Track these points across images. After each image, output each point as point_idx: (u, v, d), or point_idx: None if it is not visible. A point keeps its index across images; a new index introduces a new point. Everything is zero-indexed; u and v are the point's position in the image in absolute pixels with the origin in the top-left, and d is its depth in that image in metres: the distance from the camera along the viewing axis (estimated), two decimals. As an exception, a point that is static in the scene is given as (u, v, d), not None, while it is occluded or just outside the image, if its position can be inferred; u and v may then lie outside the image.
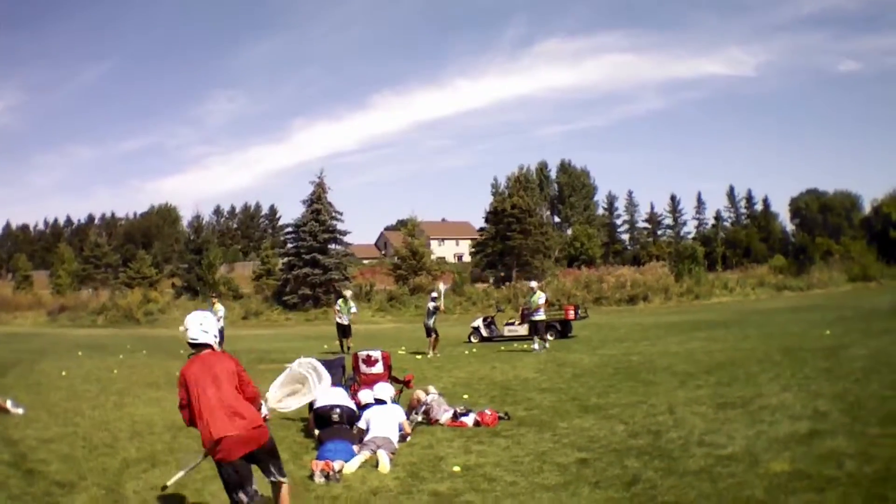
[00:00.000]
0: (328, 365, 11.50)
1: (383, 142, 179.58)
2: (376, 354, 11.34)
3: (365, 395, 10.12)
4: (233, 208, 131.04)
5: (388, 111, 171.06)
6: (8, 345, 30.23)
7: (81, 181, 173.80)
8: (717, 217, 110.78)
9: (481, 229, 68.65)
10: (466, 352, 21.88)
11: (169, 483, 6.23)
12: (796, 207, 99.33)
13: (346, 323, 23.45)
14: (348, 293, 25.30)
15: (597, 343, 21.79)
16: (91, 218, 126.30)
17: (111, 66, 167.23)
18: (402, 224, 72.75)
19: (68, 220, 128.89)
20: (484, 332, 25.69)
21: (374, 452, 8.03)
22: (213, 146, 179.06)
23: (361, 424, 8.79)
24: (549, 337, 22.22)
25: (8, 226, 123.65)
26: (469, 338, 25.75)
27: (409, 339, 26.85)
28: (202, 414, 5.42)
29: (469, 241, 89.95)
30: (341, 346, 23.06)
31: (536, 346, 20.78)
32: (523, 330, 24.23)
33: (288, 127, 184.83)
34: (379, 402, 9.17)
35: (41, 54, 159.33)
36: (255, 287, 60.17)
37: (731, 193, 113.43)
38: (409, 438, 9.01)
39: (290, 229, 58.70)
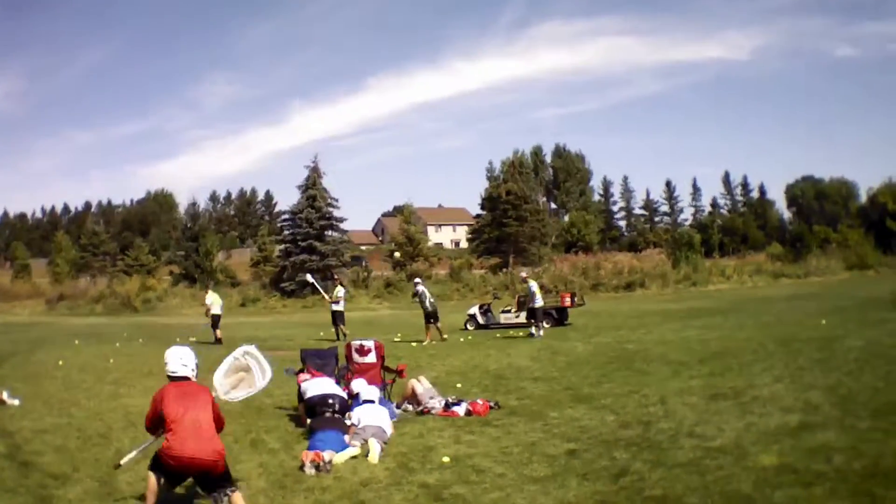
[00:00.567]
0: (322, 355, 11.63)
1: (380, 124, 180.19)
2: (369, 344, 11.34)
3: (357, 385, 10.10)
4: (229, 194, 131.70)
5: (385, 93, 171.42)
6: (6, 335, 30.20)
7: (79, 166, 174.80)
8: (714, 204, 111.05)
9: (477, 216, 68.65)
10: (462, 339, 21.89)
11: (122, 462, 6.69)
12: (792, 195, 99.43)
13: (342, 309, 23.58)
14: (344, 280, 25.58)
15: (592, 331, 21.81)
16: (88, 205, 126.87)
17: (110, 49, 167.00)
18: (398, 210, 72.77)
19: (65, 208, 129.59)
20: (480, 320, 25.72)
21: (366, 441, 8.05)
22: (210, 129, 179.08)
23: (353, 421, 8.78)
24: (544, 325, 22.29)
25: (6, 214, 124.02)
26: (465, 325, 25.79)
27: (405, 325, 26.84)
28: (177, 430, 5.89)
29: (466, 227, 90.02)
30: (337, 333, 23.12)
31: (534, 331, 20.95)
32: (520, 318, 24.30)
33: (284, 110, 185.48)
34: (367, 402, 9.19)
35: (40, 39, 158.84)
36: (252, 274, 60.22)
37: (726, 179, 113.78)
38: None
39: (286, 216, 58.70)
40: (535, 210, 65.69)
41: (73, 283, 62.31)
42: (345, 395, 9.73)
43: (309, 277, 26.08)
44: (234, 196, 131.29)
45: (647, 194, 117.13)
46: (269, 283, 54.50)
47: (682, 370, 12.67)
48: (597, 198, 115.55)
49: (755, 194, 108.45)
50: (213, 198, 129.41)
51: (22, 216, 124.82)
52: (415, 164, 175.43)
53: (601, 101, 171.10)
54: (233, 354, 6.84)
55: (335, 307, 23.80)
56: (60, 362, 18.41)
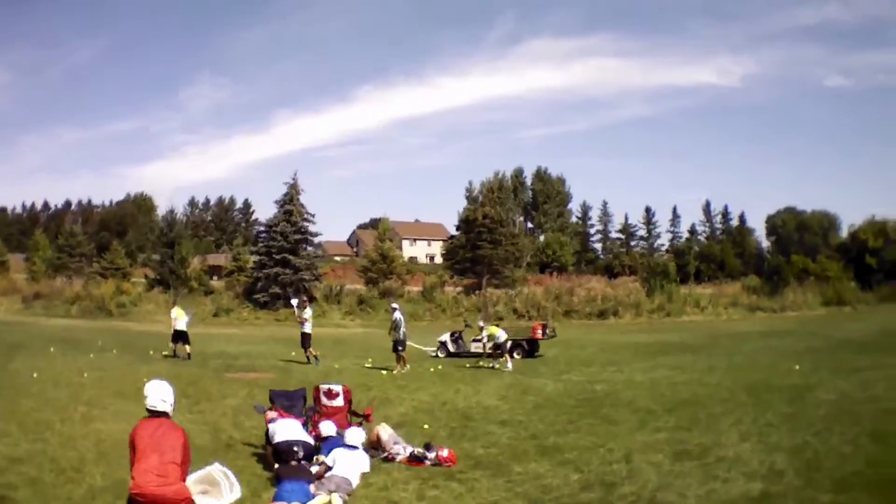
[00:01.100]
0: (289, 396, 11.57)
1: (362, 137, 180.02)
2: (337, 388, 11.45)
3: (326, 427, 10.14)
4: (207, 200, 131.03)
5: (370, 105, 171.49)
6: (-17, 336, 30.06)
7: (62, 164, 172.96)
8: (692, 231, 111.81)
9: (452, 237, 68.82)
10: (432, 368, 21.80)
11: None
12: (773, 224, 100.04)
13: (309, 331, 23.34)
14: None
15: (563, 366, 21.84)
16: (68, 203, 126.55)
17: (100, 47, 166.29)
18: (374, 223, 72.80)
19: (45, 206, 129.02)
20: (451, 347, 25.69)
21: (330, 494, 8.02)
22: (193, 134, 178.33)
23: (328, 461, 8.76)
24: (515, 356, 22.29)
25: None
26: (436, 352, 25.72)
27: (376, 348, 26.64)
28: (139, 469, 5.93)
29: (441, 243, 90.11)
30: (308, 358, 22.83)
31: (510, 365, 21.16)
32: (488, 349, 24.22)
33: (269, 117, 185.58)
34: (350, 447, 9.15)
35: (29, 34, 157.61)
36: (226, 283, 60.00)
37: (707, 208, 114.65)
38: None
39: (262, 229, 58.47)
40: (511, 234, 65.95)
41: (50, 282, 61.80)
42: (311, 439, 9.73)
43: (294, 302, 25.75)
44: (212, 203, 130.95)
45: (626, 218, 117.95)
46: (242, 294, 54.20)
47: (649, 420, 12.72)
48: (574, 219, 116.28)
49: (735, 223, 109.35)
50: (192, 203, 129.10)
51: (2, 210, 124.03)
52: (394, 178, 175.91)
53: (588, 122, 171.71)
54: (210, 467, 6.94)
55: (303, 329, 23.39)
56: (35, 374, 18.42)
